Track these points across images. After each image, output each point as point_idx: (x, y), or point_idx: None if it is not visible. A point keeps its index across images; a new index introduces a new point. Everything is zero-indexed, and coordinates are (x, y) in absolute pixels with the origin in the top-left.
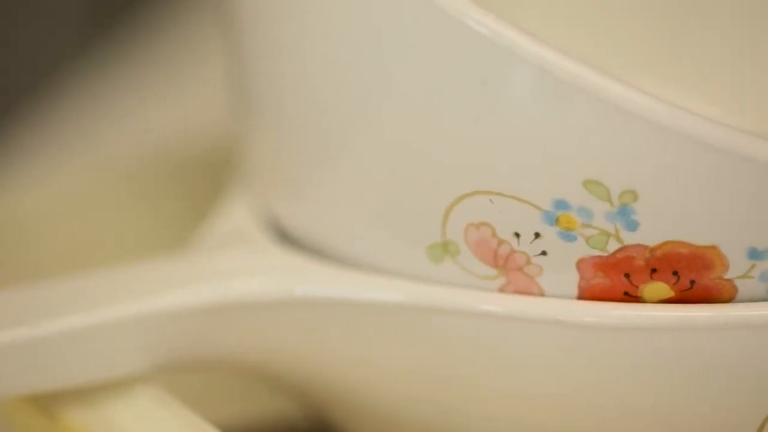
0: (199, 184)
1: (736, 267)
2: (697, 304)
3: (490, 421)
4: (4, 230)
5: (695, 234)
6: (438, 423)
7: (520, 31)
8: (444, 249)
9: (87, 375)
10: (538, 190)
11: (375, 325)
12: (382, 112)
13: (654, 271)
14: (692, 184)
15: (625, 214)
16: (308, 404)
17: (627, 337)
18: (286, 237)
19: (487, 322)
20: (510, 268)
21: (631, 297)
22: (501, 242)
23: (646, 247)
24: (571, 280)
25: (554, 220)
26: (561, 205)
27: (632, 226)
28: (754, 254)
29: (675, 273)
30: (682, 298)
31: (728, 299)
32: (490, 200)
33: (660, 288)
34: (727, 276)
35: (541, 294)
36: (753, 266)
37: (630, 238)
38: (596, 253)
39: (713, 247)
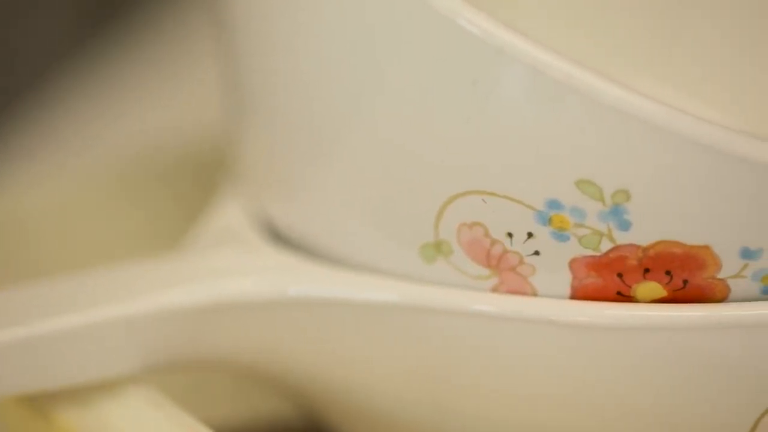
0: (193, 183)
1: (728, 267)
2: (690, 304)
3: (485, 421)
4: None
5: (688, 234)
6: (433, 423)
7: (512, 30)
8: (437, 249)
9: (80, 375)
10: (531, 190)
11: (368, 325)
12: (374, 111)
13: (647, 270)
14: (685, 183)
15: (617, 214)
16: (302, 404)
17: (620, 336)
18: (279, 237)
19: (480, 322)
20: (503, 268)
21: (623, 297)
22: (494, 242)
23: (638, 246)
24: (564, 280)
25: (547, 220)
26: (554, 205)
27: (625, 225)
28: (746, 254)
29: (668, 273)
30: (675, 297)
31: (721, 299)
32: (483, 200)
33: (653, 288)
34: (720, 276)
35: (534, 294)
36: (745, 266)
37: (623, 238)
38: (589, 252)
39: (706, 247)
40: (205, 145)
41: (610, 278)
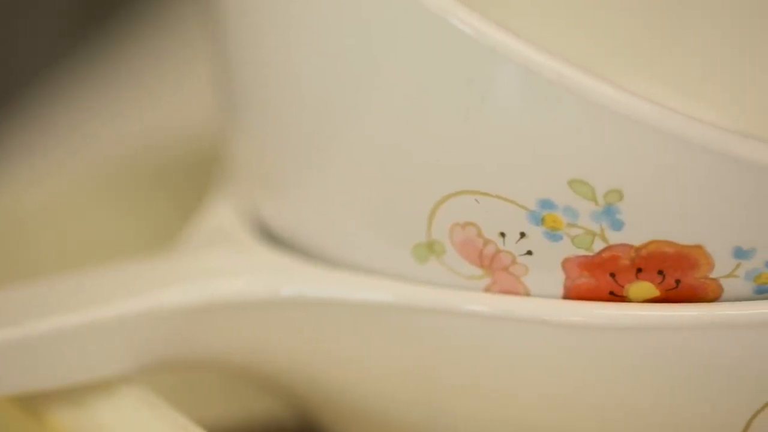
0: (186, 183)
1: (721, 266)
2: (683, 304)
3: (479, 422)
4: None
5: (681, 233)
6: (426, 423)
7: (505, 30)
8: (429, 249)
9: (73, 375)
10: (524, 189)
11: (360, 325)
12: (367, 110)
13: (639, 270)
14: (677, 183)
15: (610, 214)
16: (296, 404)
17: (613, 336)
18: (272, 237)
19: (473, 322)
20: (495, 267)
21: (616, 296)
22: (486, 242)
23: (631, 246)
24: (557, 280)
25: (540, 220)
26: (546, 204)
27: (617, 225)
28: (739, 253)
29: (660, 272)
30: (668, 297)
31: (714, 298)
32: (476, 200)
33: (645, 287)
34: (713, 275)
35: (527, 294)
36: (738, 265)
37: (615, 238)
38: (582, 252)
39: (698, 247)
40: (199, 144)
41: (603, 278)
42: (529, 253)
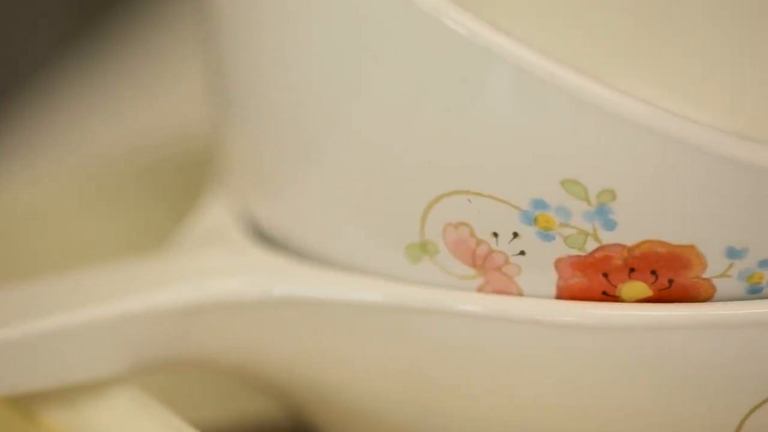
0: (180, 184)
1: (714, 266)
2: (675, 304)
3: (472, 422)
4: None
5: (673, 233)
6: (420, 423)
7: (497, 30)
8: (422, 249)
9: (67, 376)
10: (517, 189)
11: (354, 325)
12: (360, 110)
13: (632, 270)
14: (670, 183)
15: (603, 214)
16: (290, 404)
17: (605, 336)
18: (265, 237)
19: (466, 322)
20: (488, 267)
21: (609, 296)
22: (479, 242)
23: (624, 246)
24: (550, 280)
25: (532, 220)
26: (539, 204)
27: (610, 225)
28: (732, 253)
29: (653, 272)
30: (660, 297)
31: (706, 298)
32: (469, 200)
33: (638, 287)
34: (705, 275)
35: (520, 294)
36: (731, 265)
37: (608, 238)
38: (574, 252)
39: (691, 247)
40: (193, 145)
41: (596, 278)
42: (522, 253)
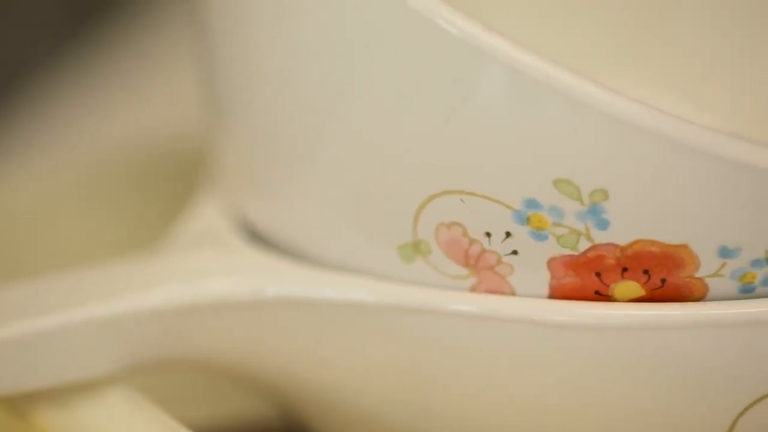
0: (173, 184)
1: (706, 265)
2: (668, 303)
3: (466, 422)
4: None
5: (666, 233)
6: (415, 423)
7: (490, 30)
8: (415, 249)
9: (60, 376)
10: (509, 189)
11: (347, 325)
12: (353, 110)
13: (625, 269)
14: (663, 183)
15: (595, 213)
16: (283, 405)
17: (598, 336)
18: (258, 237)
19: (459, 322)
20: (481, 267)
21: (602, 296)
22: (472, 242)
23: (616, 246)
24: (542, 280)
25: (525, 220)
26: (532, 204)
27: (603, 225)
28: (724, 253)
29: (646, 272)
30: (653, 297)
31: (699, 298)
32: (461, 200)
33: (631, 287)
34: (698, 275)
35: (512, 293)
36: (724, 264)
37: (601, 237)
38: (567, 252)
39: (684, 246)
40: (185, 145)
41: (589, 277)
42: (515, 252)
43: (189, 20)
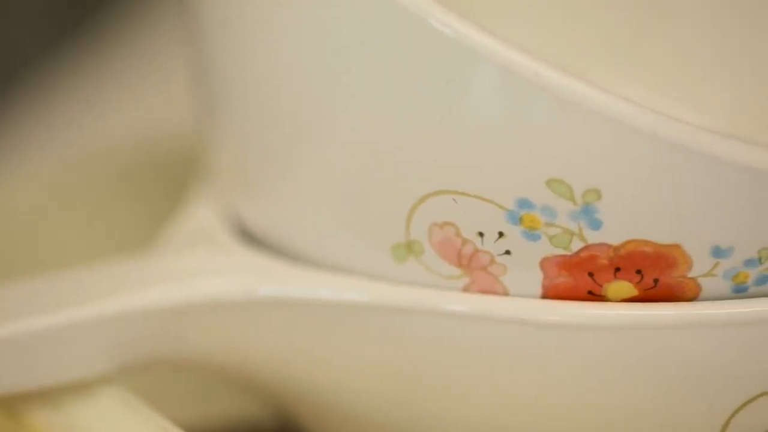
0: (165, 183)
1: (699, 265)
2: (661, 303)
3: (462, 422)
4: None
5: (659, 232)
6: (408, 423)
7: (483, 31)
8: (408, 249)
9: (52, 376)
10: (502, 189)
11: (340, 325)
12: (346, 110)
13: (618, 269)
14: (656, 182)
15: (588, 213)
16: (276, 405)
17: (591, 336)
18: (251, 237)
19: (452, 322)
20: (474, 267)
21: (595, 296)
22: (465, 242)
23: (609, 245)
24: (535, 279)
25: (518, 220)
26: (524, 204)
27: (596, 225)
28: (717, 252)
29: (639, 272)
30: (646, 296)
31: (692, 297)
32: (454, 200)
33: (624, 287)
34: (691, 274)
35: (505, 293)
36: (716, 264)
37: (593, 237)
38: (560, 252)
39: (677, 246)
40: (178, 145)
41: (581, 277)
42: (508, 252)
43: (181, 20)
